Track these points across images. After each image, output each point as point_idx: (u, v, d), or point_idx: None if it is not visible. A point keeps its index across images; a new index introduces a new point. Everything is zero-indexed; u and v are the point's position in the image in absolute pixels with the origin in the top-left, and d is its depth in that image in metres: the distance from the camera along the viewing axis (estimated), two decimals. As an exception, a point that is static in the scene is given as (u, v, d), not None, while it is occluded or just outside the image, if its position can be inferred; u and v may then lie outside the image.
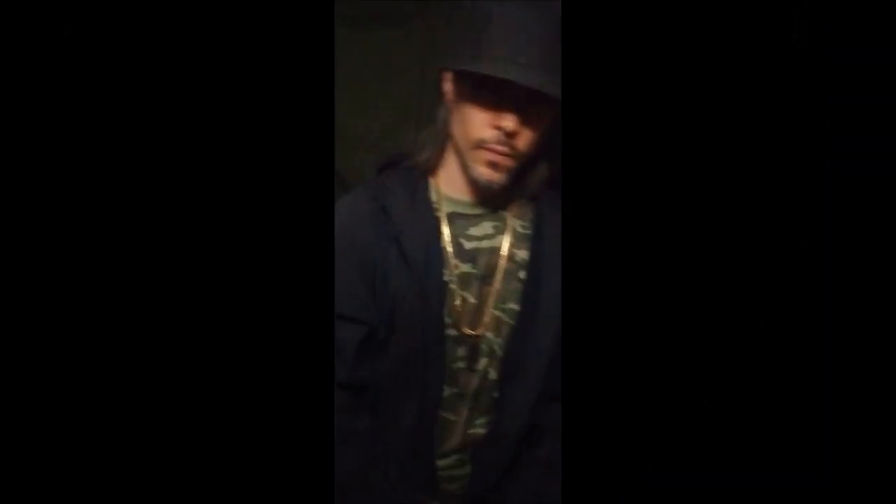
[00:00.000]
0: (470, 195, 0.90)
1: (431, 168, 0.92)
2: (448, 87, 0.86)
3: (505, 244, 0.89)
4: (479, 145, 0.83)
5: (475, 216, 0.90)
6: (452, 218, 0.90)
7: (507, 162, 0.84)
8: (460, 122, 0.85)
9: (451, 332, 0.87)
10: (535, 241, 0.90)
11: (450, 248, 0.88)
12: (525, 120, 0.82)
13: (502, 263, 0.89)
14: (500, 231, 0.90)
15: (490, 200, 0.90)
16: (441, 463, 0.90)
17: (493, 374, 0.89)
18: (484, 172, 0.84)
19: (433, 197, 0.91)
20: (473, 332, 0.87)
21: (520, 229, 0.91)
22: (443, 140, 0.89)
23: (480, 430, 0.90)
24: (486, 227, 0.90)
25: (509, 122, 0.80)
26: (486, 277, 0.89)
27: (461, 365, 0.88)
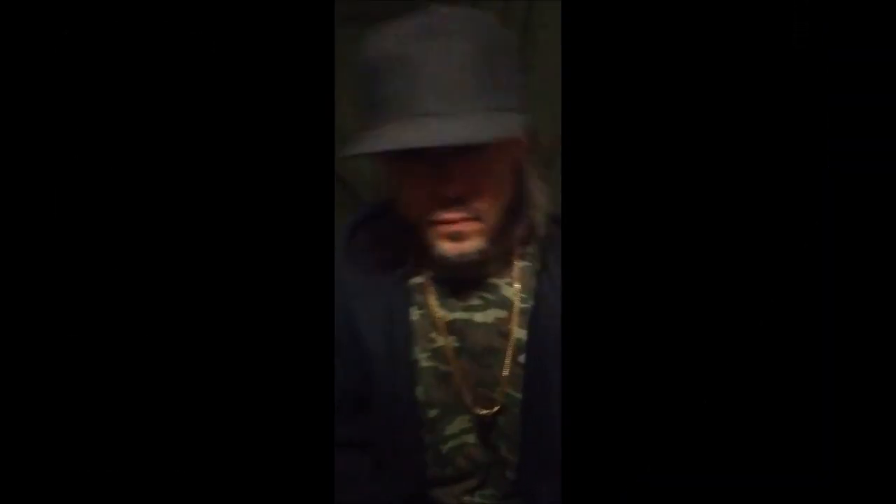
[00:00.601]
0: (449, 268, 0.74)
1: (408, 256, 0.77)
2: (380, 167, 0.72)
3: (500, 319, 0.76)
4: (431, 224, 0.69)
5: (459, 282, 0.76)
6: (427, 288, 0.77)
7: (472, 227, 0.69)
8: (404, 205, 0.71)
9: (434, 412, 0.76)
10: (533, 316, 0.75)
11: (427, 320, 0.75)
12: (470, 176, 0.67)
13: (494, 343, 0.75)
14: (492, 304, 0.76)
15: (474, 269, 0.75)
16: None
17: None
18: (449, 248, 0.69)
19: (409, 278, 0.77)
20: (485, 412, 0.74)
21: (515, 299, 0.76)
22: (401, 230, 0.74)
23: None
24: (471, 297, 0.76)
25: (449, 188, 0.66)
26: (476, 355, 0.76)
27: (469, 440, 0.77)
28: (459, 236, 0.69)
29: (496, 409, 0.75)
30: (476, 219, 0.69)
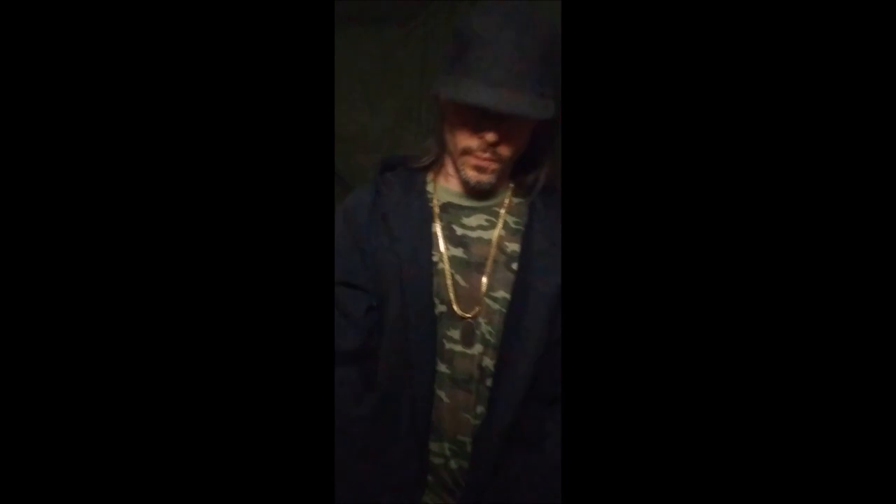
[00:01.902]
0: (464, 191, 0.98)
1: (430, 167, 1.00)
2: (440, 100, 0.94)
3: (495, 235, 0.96)
4: (466, 152, 0.92)
5: (469, 208, 0.98)
6: (446, 207, 0.98)
7: (493, 166, 0.93)
8: (450, 132, 0.94)
9: (442, 308, 0.92)
10: (526, 234, 0.96)
11: (440, 232, 0.95)
12: (507, 131, 0.90)
13: (493, 252, 0.95)
14: (492, 225, 0.97)
15: (484, 196, 0.98)
16: (433, 447, 0.93)
17: (487, 362, 0.92)
18: (472, 175, 0.94)
19: (429, 189, 0.99)
20: (467, 315, 0.92)
21: (512, 224, 0.97)
22: (440, 146, 0.98)
23: (475, 422, 0.92)
24: (479, 218, 0.97)
25: (490, 135, 0.89)
26: (478, 265, 0.94)
27: (456, 347, 0.92)
28: (482, 170, 0.93)
29: (476, 311, 0.93)
30: (497, 160, 0.92)
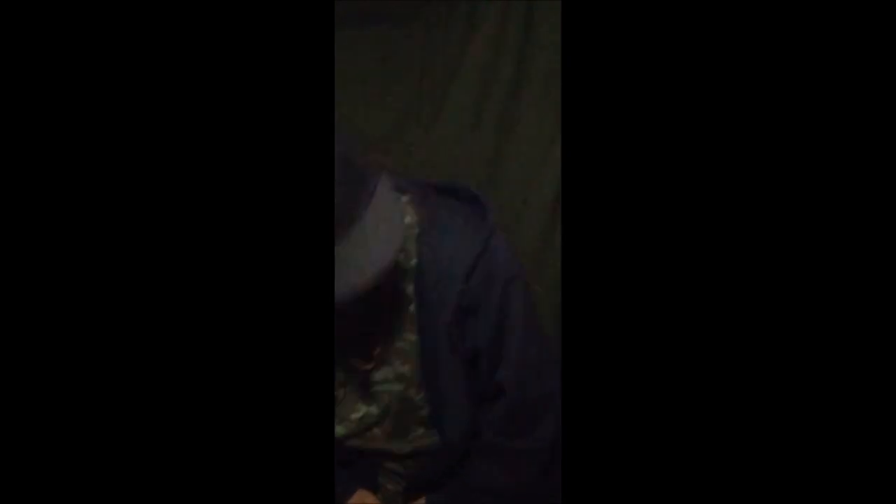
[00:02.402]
0: None
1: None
2: None
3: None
4: None
5: None
6: None
7: None
8: None
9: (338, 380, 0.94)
10: (418, 276, 0.91)
11: None
12: None
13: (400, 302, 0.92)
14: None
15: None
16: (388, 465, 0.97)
17: (413, 395, 0.94)
18: None
19: None
20: (367, 367, 0.92)
21: (405, 266, 0.91)
22: None
23: (405, 447, 0.96)
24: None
25: None
26: (378, 314, 0.92)
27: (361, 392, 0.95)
28: None
29: (371, 366, 0.93)
30: None
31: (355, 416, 0.96)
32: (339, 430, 0.95)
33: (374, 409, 0.95)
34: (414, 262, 0.92)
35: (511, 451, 0.96)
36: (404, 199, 0.92)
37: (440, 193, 0.96)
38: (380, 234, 0.79)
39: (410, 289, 0.92)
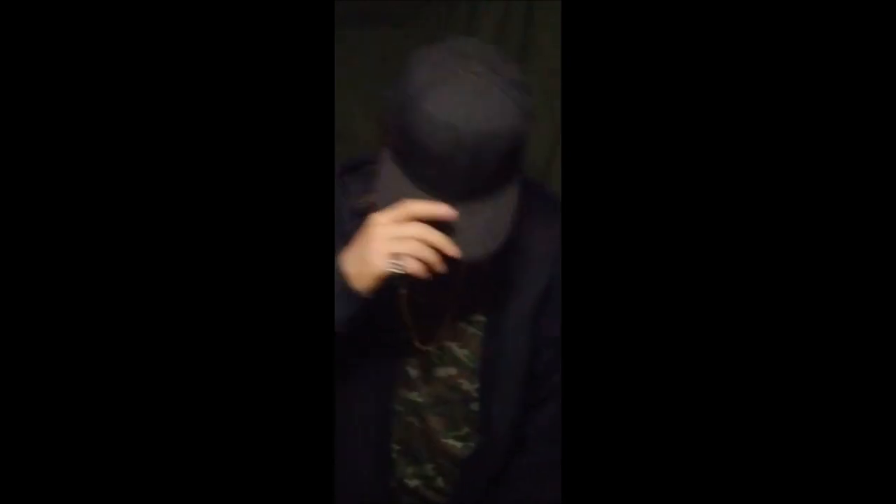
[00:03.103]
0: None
1: None
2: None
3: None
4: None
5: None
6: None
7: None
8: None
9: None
10: (498, 257, 0.83)
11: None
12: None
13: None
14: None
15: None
16: (410, 471, 0.91)
17: (466, 386, 0.88)
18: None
19: None
20: (425, 348, 0.86)
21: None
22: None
23: (456, 444, 0.90)
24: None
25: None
26: (445, 284, 0.84)
27: (416, 372, 0.88)
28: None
29: (443, 344, 0.87)
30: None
31: (411, 395, 0.89)
32: (397, 406, 0.90)
33: (426, 394, 0.89)
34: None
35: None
36: None
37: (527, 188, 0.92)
38: (499, 207, 0.75)
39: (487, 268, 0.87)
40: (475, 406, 0.89)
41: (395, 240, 0.71)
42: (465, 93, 0.70)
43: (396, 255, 0.71)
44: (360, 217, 0.79)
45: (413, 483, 0.91)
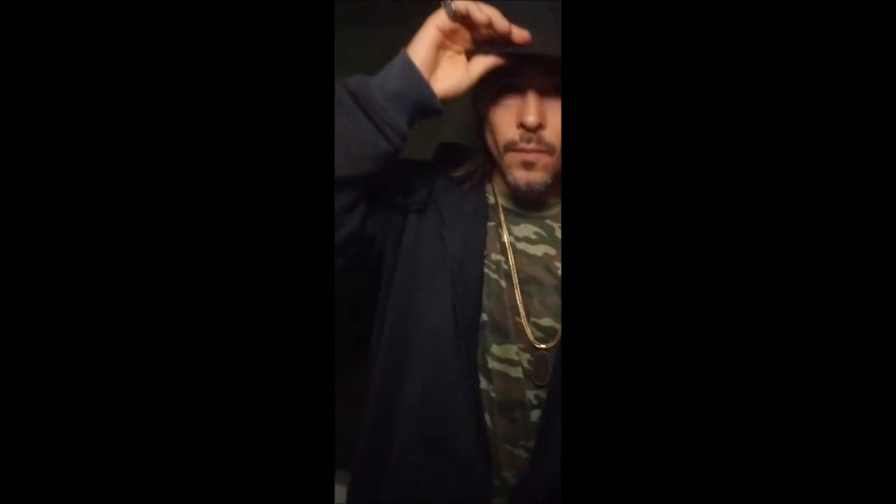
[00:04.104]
0: (515, 198, 0.88)
1: (484, 178, 0.90)
2: (474, 100, 0.85)
3: (542, 252, 0.85)
4: (509, 149, 0.81)
5: (517, 214, 0.88)
6: (499, 209, 0.88)
7: (542, 159, 0.81)
8: (489, 132, 0.83)
9: (484, 318, 0.83)
10: None
11: (490, 232, 0.85)
12: (549, 111, 0.79)
13: (538, 272, 0.84)
14: (541, 239, 0.87)
15: (538, 204, 0.87)
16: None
17: (529, 395, 0.82)
18: (520, 176, 0.82)
19: (488, 195, 0.89)
20: (544, 346, 0.81)
21: None
22: (483, 157, 0.87)
23: (524, 455, 0.82)
24: (527, 229, 0.87)
25: (531, 115, 0.78)
26: (518, 282, 0.84)
27: (498, 366, 0.83)
28: (530, 165, 0.81)
29: (553, 343, 0.82)
30: (546, 151, 0.80)
31: (480, 386, 0.82)
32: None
33: (488, 388, 0.83)
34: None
35: None
36: None
37: None
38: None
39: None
40: (536, 415, 0.82)
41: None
42: None
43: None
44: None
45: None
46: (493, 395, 0.83)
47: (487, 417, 0.82)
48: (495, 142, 0.83)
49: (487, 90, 0.82)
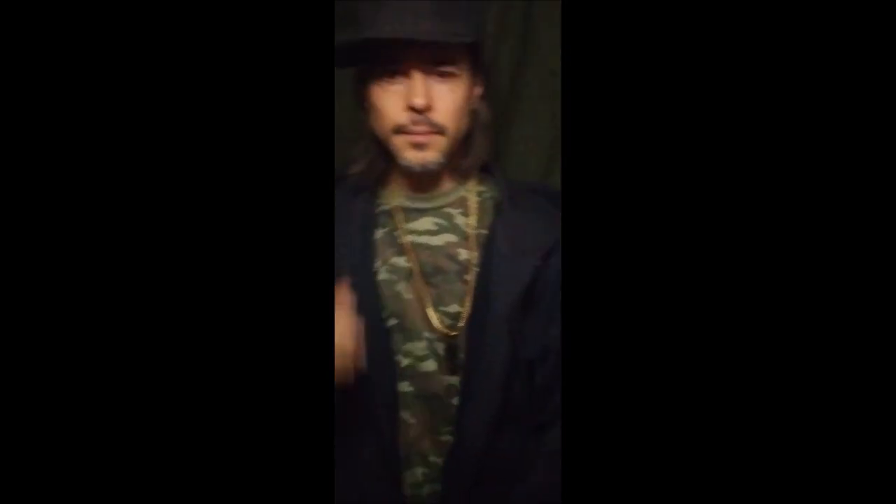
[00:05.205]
0: (415, 189, 0.88)
1: (379, 176, 0.90)
2: (359, 88, 0.86)
3: (443, 241, 0.87)
4: (399, 132, 0.82)
5: (417, 210, 0.88)
6: (394, 211, 0.88)
7: (433, 140, 0.82)
8: (377, 117, 0.84)
9: (393, 322, 0.85)
10: (488, 239, 0.86)
11: (381, 238, 0.87)
12: (435, 91, 0.81)
13: (441, 261, 0.86)
14: (442, 229, 0.88)
15: (435, 195, 0.88)
16: (406, 476, 0.85)
17: (445, 384, 0.84)
18: (412, 157, 0.83)
19: (379, 197, 0.89)
20: (453, 333, 0.83)
21: (467, 229, 0.88)
22: (374, 145, 0.87)
23: (447, 438, 0.84)
24: (427, 222, 0.88)
25: (418, 97, 0.79)
26: (425, 275, 0.86)
27: (417, 364, 0.85)
28: (422, 146, 0.82)
29: (461, 327, 0.84)
30: (437, 132, 0.82)
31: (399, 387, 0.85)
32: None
33: (406, 387, 0.85)
34: (485, 231, 0.87)
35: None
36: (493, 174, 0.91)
37: (525, 187, 0.93)
38: None
39: (470, 255, 0.86)
40: (455, 402, 0.84)
41: None
42: None
43: None
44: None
45: (406, 491, 0.86)
46: (411, 392, 0.85)
47: (408, 415, 0.85)
48: (383, 127, 0.83)
49: (372, 77, 0.83)
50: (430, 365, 0.85)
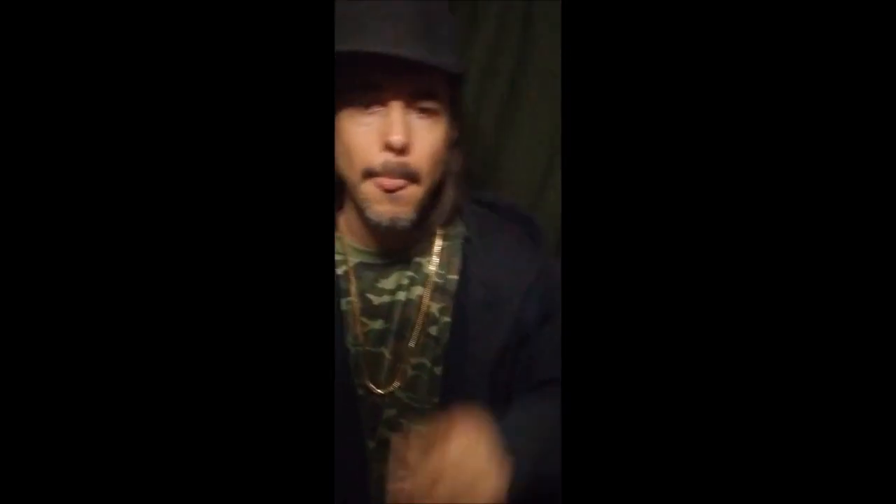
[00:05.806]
0: (376, 242, 0.78)
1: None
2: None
3: (417, 294, 0.79)
4: (369, 175, 0.71)
5: (383, 265, 0.79)
6: (359, 270, 0.79)
7: (406, 192, 0.71)
8: (343, 155, 0.72)
9: (360, 391, 0.79)
10: (459, 285, 0.79)
11: (355, 306, 0.78)
12: (415, 128, 0.70)
13: (416, 315, 0.79)
14: (414, 282, 0.80)
15: (400, 245, 0.79)
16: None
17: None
18: (382, 211, 0.71)
19: (338, 249, 0.79)
20: (379, 391, 0.78)
21: (436, 279, 0.79)
22: (339, 193, 0.77)
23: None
24: (398, 277, 0.79)
25: (396, 133, 0.68)
26: (401, 332, 0.79)
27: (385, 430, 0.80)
28: (394, 196, 0.71)
29: (392, 387, 0.78)
30: (412, 180, 0.71)
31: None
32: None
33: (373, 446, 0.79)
34: (455, 277, 0.79)
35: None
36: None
37: (488, 207, 0.83)
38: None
39: (436, 307, 0.79)
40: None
41: None
42: None
43: None
44: None
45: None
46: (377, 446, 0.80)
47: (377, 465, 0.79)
48: (352, 169, 0.72)
49: (342, 108, 0.71)
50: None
